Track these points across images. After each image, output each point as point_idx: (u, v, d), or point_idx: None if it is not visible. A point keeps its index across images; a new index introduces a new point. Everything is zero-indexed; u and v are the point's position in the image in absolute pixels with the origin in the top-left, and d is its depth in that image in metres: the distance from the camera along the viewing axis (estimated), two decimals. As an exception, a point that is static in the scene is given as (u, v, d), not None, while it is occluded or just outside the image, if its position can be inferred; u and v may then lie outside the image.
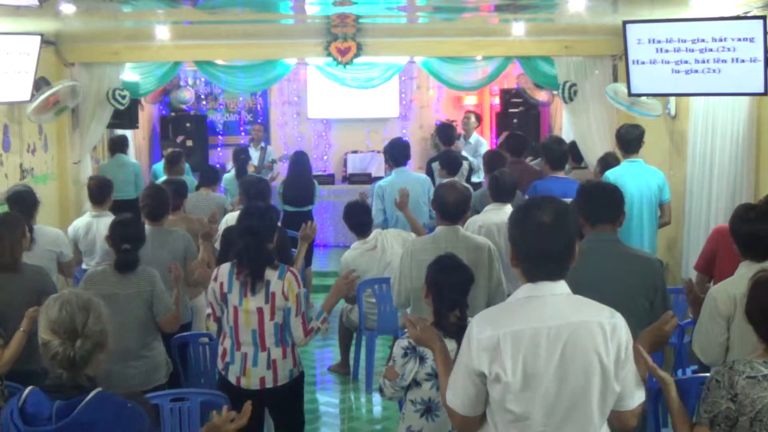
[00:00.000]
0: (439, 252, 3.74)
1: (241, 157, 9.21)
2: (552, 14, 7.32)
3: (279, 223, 4.31)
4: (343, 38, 8.00)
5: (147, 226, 4.69)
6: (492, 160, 6.78)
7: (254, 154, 10.36)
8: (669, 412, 2.80)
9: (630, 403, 2.43)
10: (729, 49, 5.55)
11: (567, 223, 2.37)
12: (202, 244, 5.26)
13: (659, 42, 5.91)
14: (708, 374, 3.66)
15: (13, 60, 6.53)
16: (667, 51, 5.89)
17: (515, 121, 10.91)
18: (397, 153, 6.89)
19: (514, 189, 5.45)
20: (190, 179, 8.27)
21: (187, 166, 8.58)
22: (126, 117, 9.11)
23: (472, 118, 10.21)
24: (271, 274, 3.88)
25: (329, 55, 8.08)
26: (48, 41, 7.37)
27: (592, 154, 7.43)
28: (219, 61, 8.60)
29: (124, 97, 8.15)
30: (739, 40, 5.47)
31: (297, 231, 5.67)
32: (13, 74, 6.57)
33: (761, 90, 5.39)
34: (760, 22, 5.33)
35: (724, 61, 5.59)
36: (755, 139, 5.74)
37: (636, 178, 5.87)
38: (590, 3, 6.09)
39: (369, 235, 6.11)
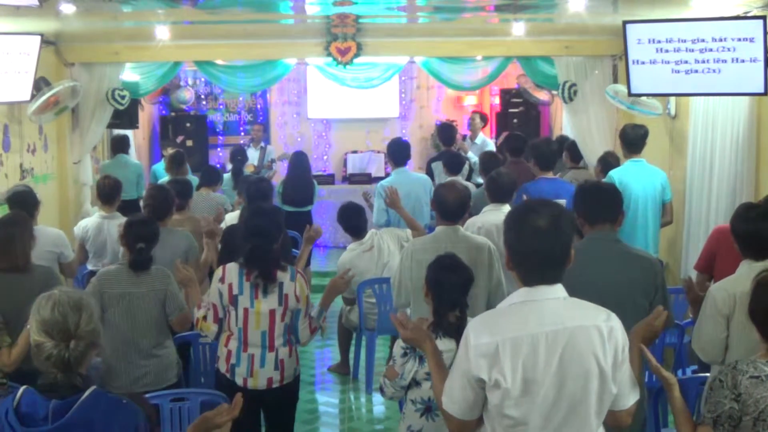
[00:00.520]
0: (439, 252, 3.74)
1: (237, 157, 9.21)
2: (552, 14, 7.32)
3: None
4: (343, 38, 8.00)
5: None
6: (488, 161, 6.78)
7: (254, 154, 10.37)
8: (672, 411, 2.80)
9: (625, 402, 2.44)
10: (729, 49, 5.54)
11: (563, 226, 2.37)
12: (207, 243, 5.25)
13: (659, 42, 5.91)
14: (708, 374, 3.69)
15: (13, 60, 6.53)
16: (667, 51, 5.89)
17: (515, 121, 10.91)
18: (396, 153, 6.88)
19: (512, 189, 5.44)
20: (191, 179, 8.27)
21: (187, 166, 8.56)
22: (126, 117, 9.10)
23: (477, 119, 10.20)
24: (283, 276, 3.87)
25: (329, 55, 8.07)
26: (48, 41, 7.36)
27: (592, 154, 7.44)
28: (219, 61, 8.59)
29: (123, 97, 8.15)
30: (739, 40, 5.47)
31: (297, 231, 5.67)
32: (13, 74, 6.57)
33: (761, 90, 5.38)
34: (760, 22, 5.33)
35: (724, 61, 5.59)
36: (755, 139, 5.74)
37: (640, 178, 5.87)
38: (590, 3, 6.09)
39: (364, 236, 6.11)
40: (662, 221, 6.03)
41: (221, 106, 12.33)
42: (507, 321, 2.35)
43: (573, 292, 2.41)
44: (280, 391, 3.95)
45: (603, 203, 3.60)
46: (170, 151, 8.75)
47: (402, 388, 3.45)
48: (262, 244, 3.84)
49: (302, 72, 11.49)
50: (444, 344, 3.32)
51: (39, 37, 6.69)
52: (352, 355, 6.53)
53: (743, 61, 5.47)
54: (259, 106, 12.34)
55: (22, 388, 2.32)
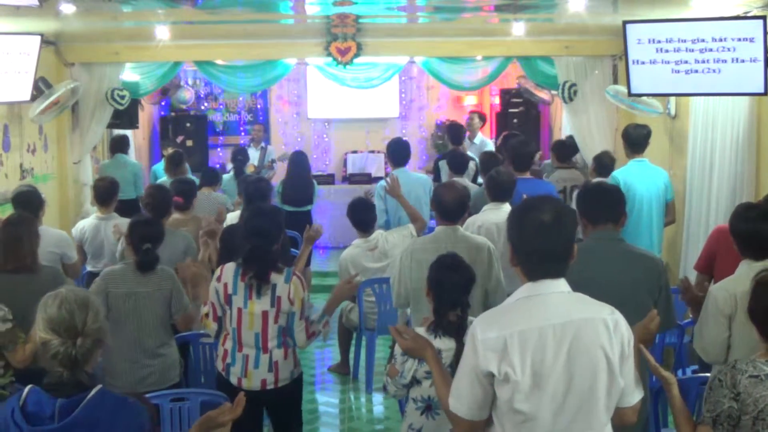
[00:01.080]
0: (439, 252, 3.74)
1: (238, 158, 9.21)
2: (552, 14, 7.32)
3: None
4: (343, 38, 8.00)
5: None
6: (488, 161, 6.79)
7: (254, 154, 10.36)
8: (671, 411, 2.81)
9: (631, 399, 2.44)
10: (729, 49, 5.54)
11: (566, 221, 2.39)
12: (207, 242, 5.24)
13: (659, 42, 5.91)
14: (708, 374, 3.68)
15: (13, 60, 6.53)
16: (667, 51, 5.89)
17: (515, 121, 10.92)
18: (396, 153, 6.88)
19: (511, 188, 5.43)
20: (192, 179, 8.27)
21: (186, 166, 8.57)
22: (126, 117, 9.10)
23: (476, 119, 10.19)
24: (276, 278, 3.84)
25: (329, 55, 8.08)
26: (48, 41, 7.37)
27: (593, 154, 7.42)
28: (219, 61, 8.60)
29: (123, 97, 8.15)
30: (739, 40, 5.47)
31: (296, 231, 5.66)
32: (13, 74, 6.57)
33: (761, 90, 5.38)
34: (760, 22, 5.33)
35: (724, 61, 5.58)
36: (755, 139, 5.73)
37: (644, 178, 5.88)
38: (590, 3, 6.09)
39: (371, 234, 6.10)
40: (665, 221, 6.04)
41: (221, 106, 12.33)
42: (513, 315, 2.36)
43: (576, 290, 2.42)
44: (276, 393, 3.92)
45: (605, 203, 3.61)
46: (170, 151, 8.75)
47: (403, 386, 3.45)
48: (262, 245, 3.83)
49: (302, 72, 11.49)
50: (444, 343, 3.33)
51: (39, 37, 6.69)
52: (352, 355, 6.53)
53: (743, 61, 5.47)
54: (259, 106, 12.34)
55: (28, 387, 2.33)
